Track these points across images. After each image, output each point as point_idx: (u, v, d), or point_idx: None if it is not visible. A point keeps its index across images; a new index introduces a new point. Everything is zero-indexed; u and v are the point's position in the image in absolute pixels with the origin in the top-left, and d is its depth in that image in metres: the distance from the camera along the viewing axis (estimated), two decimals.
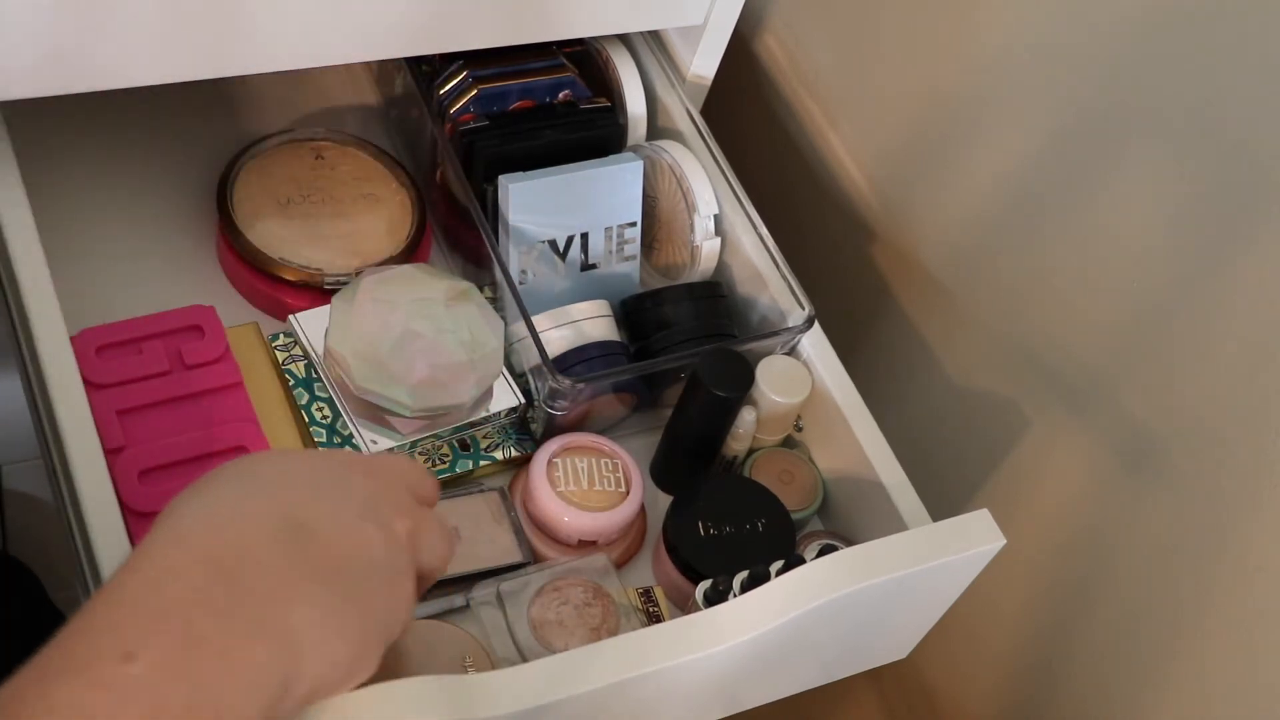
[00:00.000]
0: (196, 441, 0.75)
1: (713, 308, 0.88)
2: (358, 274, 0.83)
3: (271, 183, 0.90)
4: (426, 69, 0.91)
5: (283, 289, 0.87)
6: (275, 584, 0.50)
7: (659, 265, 0.94)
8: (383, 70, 0.96)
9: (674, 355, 0.84)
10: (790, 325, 0.86)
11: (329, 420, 0.82)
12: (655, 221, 0.93)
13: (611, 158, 0.90)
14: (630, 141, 0.94)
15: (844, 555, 0.71)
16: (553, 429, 0.85)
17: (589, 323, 0.85)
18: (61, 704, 0.43)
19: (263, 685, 0.48)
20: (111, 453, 0.72)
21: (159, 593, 0.48)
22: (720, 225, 0.90)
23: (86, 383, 0.72)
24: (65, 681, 0.44)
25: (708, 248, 0.90)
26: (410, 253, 0.90)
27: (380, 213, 0.92)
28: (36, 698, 0.43)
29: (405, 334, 0.79)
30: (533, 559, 0.82)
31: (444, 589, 0.80)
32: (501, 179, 0.86)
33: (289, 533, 0.52)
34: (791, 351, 0.87)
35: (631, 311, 0.89)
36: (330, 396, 0.81)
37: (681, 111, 0.92)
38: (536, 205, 0.87)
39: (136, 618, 0.46)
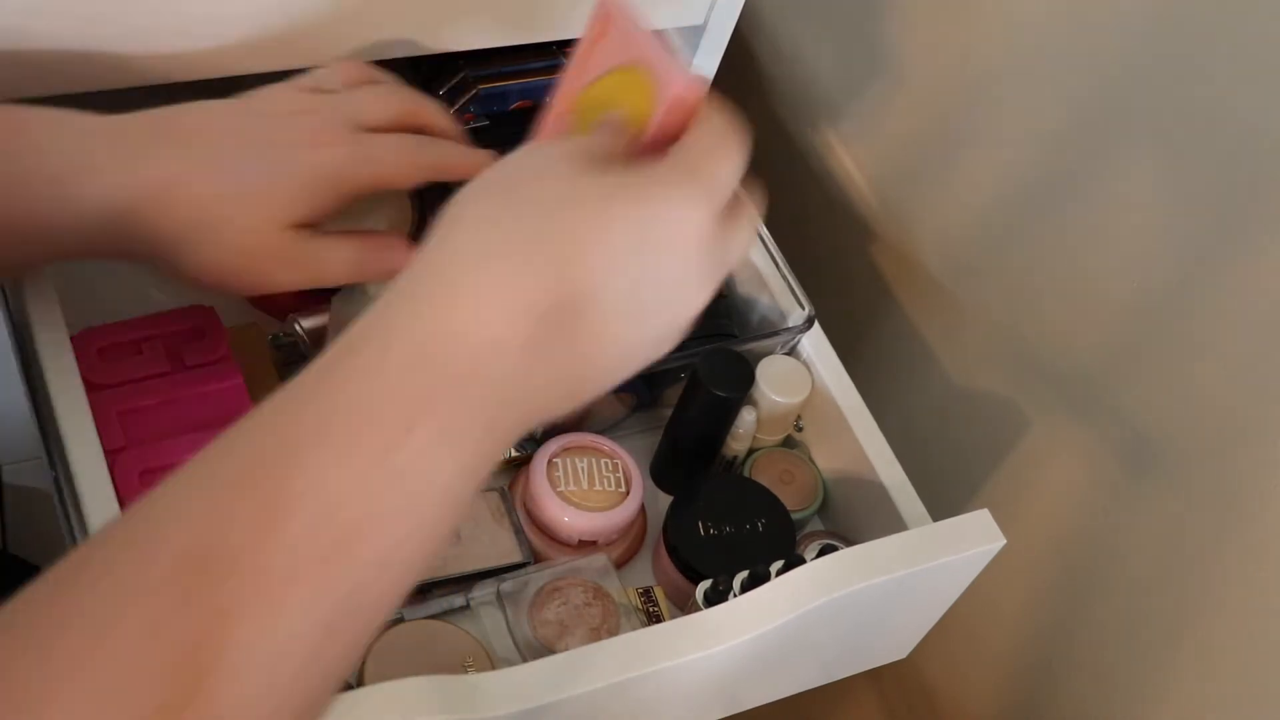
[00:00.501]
0: (197, 442, 0.75)
1: (712, 307, 0.88)
2: None
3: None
4: (425, 69, 0.91)
5: (285, 293, 0.86)
6: (547, 369, 0.47)
7: None
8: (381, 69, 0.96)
9: (674, 355, 0.84)
10: (790, 325, 0.86)
11: None
12: None
13: None
14: None
15: (844, 555, 0.71)
16: (553, 429, 0.85)
17: None
18: (315, 484, 0.42)
19: (510, 443, 0.49)
20: (112, 453, 0.71)
21: (430, 378, 0.45)
22: None
23: (86, 383, 0.72)
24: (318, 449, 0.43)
25: None
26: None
27: (381, 213, 0.91)
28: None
29: None
30: (533, 559, 0.82)
31: (444, 589, 0.80)
32: None
33: (547, 315, 0.47)
34: (791, 352, 0.87)
35: None
36: None
37: None
38: None
39: (413, 396, 0.44)
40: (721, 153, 0.54)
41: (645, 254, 0.49)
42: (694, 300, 0.53)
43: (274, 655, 0.40)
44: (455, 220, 0.49)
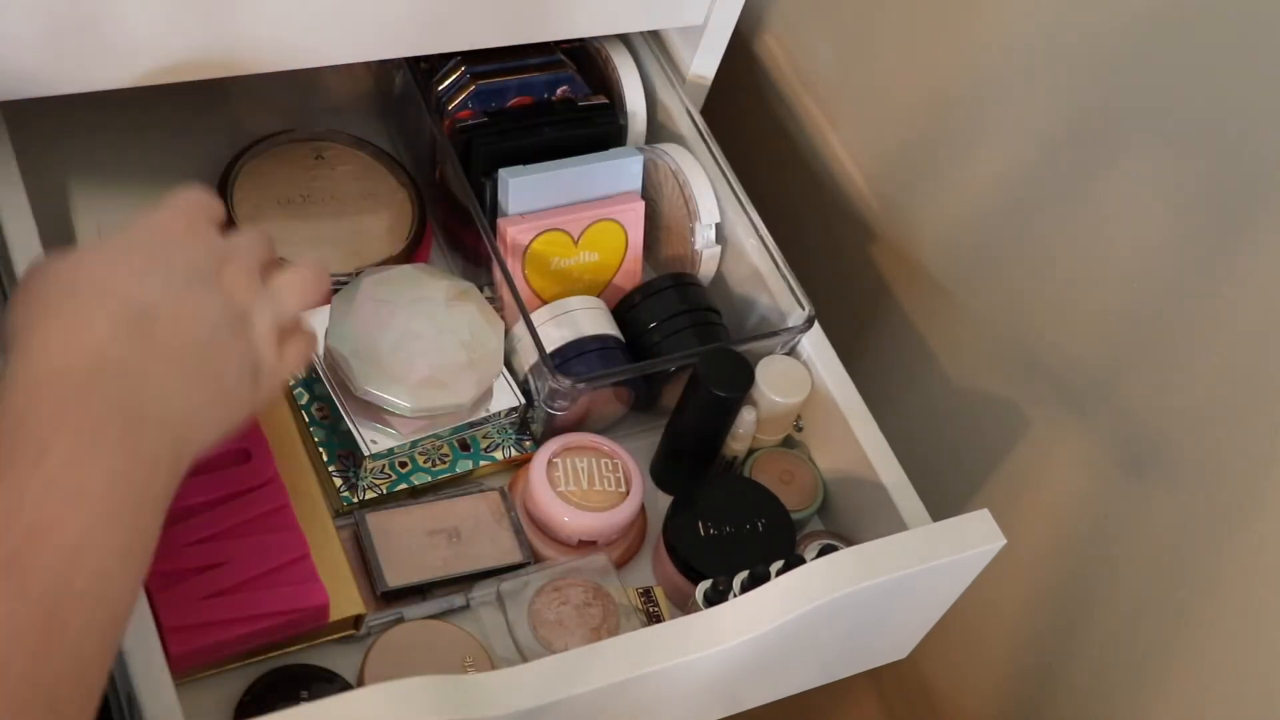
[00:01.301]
0: None
1: (698, 295, 0.88)
2: (358, 274, 0.83)
3: (272, 182, 0.90)
4: (425, 66, 0.91)
5: None
6: (136, 379, 0.55)
7: (657, 265, 0.94)
8: (382, 69, 0.96)
9: (675, 356, 0.84)
10: (790, 325, 0.86)
11: (329, 420, 0.82)
12: (655, 223, 0.93)
13: (611, 152, 0.90)
14: (630, 142, 0.94)
15: (844, 555, 0.71)
16: (553, 429, 0.85)
17: (583, 316, 0.85)
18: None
19: (161, 459, 0.55)
20: None
21: (47, 407, 0.52)
22: (721, 230, 0.90)
23: None
24: None
25: (708, 255, 0.90)
26: (411, 253, 0.90)
27: (381, 213, 0.92)
28: None
29: (405, 334, 0.79)
30: (533, 559, 0.82)
31: (444, 589, 0.80)
32: (501, 172, 0.86)
33: (131, 325, 0.56)
34: (791, 352, 0.87)
35: (622, 308, 0.89)
36: (330, 396, 0.81)
37: (681, 112, 0.92)
38: (536, 200, 0.87)
39: (38, 424, 0.51)
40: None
41: (168, 251, 0.61)
42: (222, 269, 0.62)
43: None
44: (25, 296, 0.58)
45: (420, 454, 0.83)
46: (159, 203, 0.64)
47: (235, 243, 0.65)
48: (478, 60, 0.90)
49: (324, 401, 0.82)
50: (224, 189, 0.88)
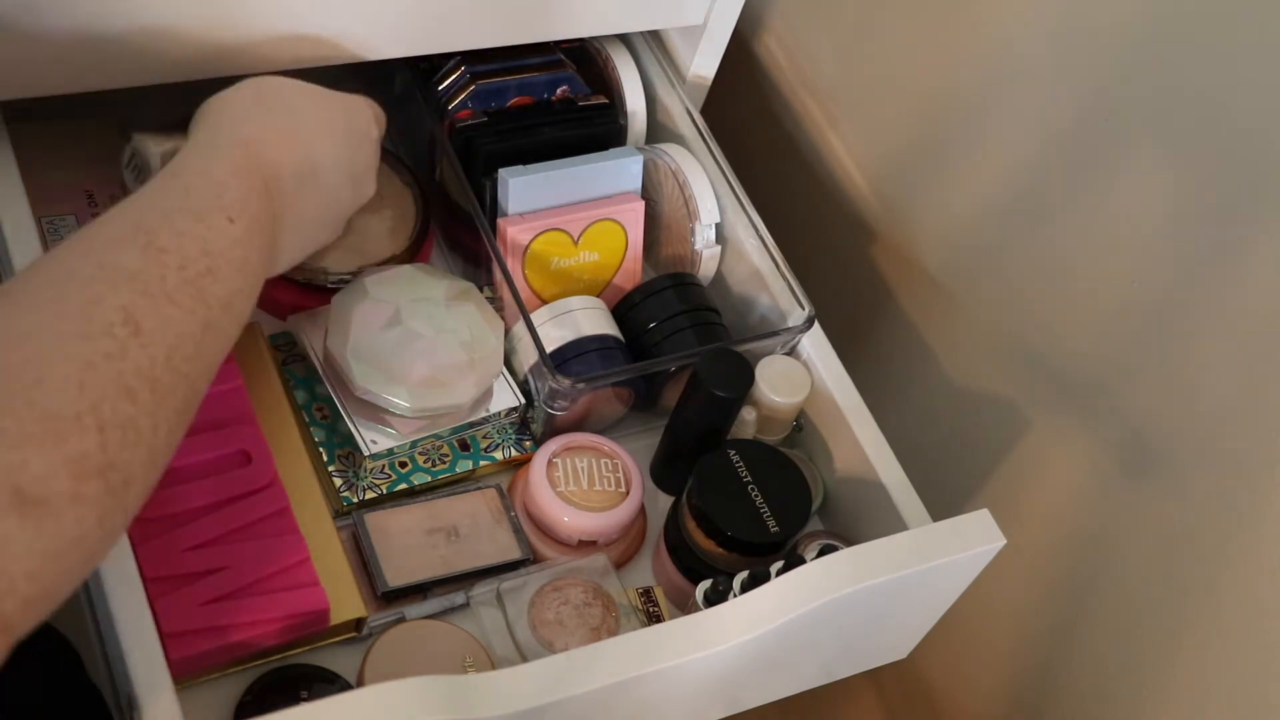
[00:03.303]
0: (197, 445, 0.75)
1: (698, 295, 0.88)
2: (358, 274, 0.83)
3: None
4: (424, 66, 0.91)
5: (286, 288, 0.87)
6: (283, 216, 0.69)
7: (657, 265, 0.94)
8: (381, 69, 0.96)
9: (675, 356, 0.84)
10: (790, 325, 0.86)
11: (329, 420, 0.82)
12: (655, 222, 0.93)
13: (611, 152, 0.90)
14: (630, 142, 0.94)
15: (844, 555, 0.71)
16: (552, 429, 0.85)
17: (583, 316, 0.85)
18: (188, 235, 0.61)
19: (268, 271, 0.68)
20: None
21: (248, 185, 0.66)
22: (721, 230, 0.90)
23: None
24: (189, 218, 0.62)
25: (708, 255, 0.90)
26: (414, 253, 0.90)
27: (384, 212, 0.91)
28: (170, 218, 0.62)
29: (405, 334, 0.79)
30: (532, 556, 0.82)
31: (444, 587, 0.80)
32: (501, 172, 0.86)
33: (304, 171, 0.70)
34: (791, 352, 0.87)
35: (622, 308, 0.89)
36: (330, 396, 0.81)
37: (682, 112, 0.92)
38: (536, 200, 0.87)
39: (238, 191, 0.65)
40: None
41: (349, 137, 0.75)
42: (368, 170, 0.78)
43: (171, 337, 0.58)
44: (216, 106, 0.71)
45: (420, 454, 0.83)
46: (365, 99, 0.79)
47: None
48: (477, 60, 0.90)
49: (324, 401, 0.82)
50: None
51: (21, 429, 0.51)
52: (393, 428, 0.80)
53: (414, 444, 0.81)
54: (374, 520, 0.80)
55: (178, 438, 0.60)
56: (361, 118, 0.77)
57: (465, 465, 0.84)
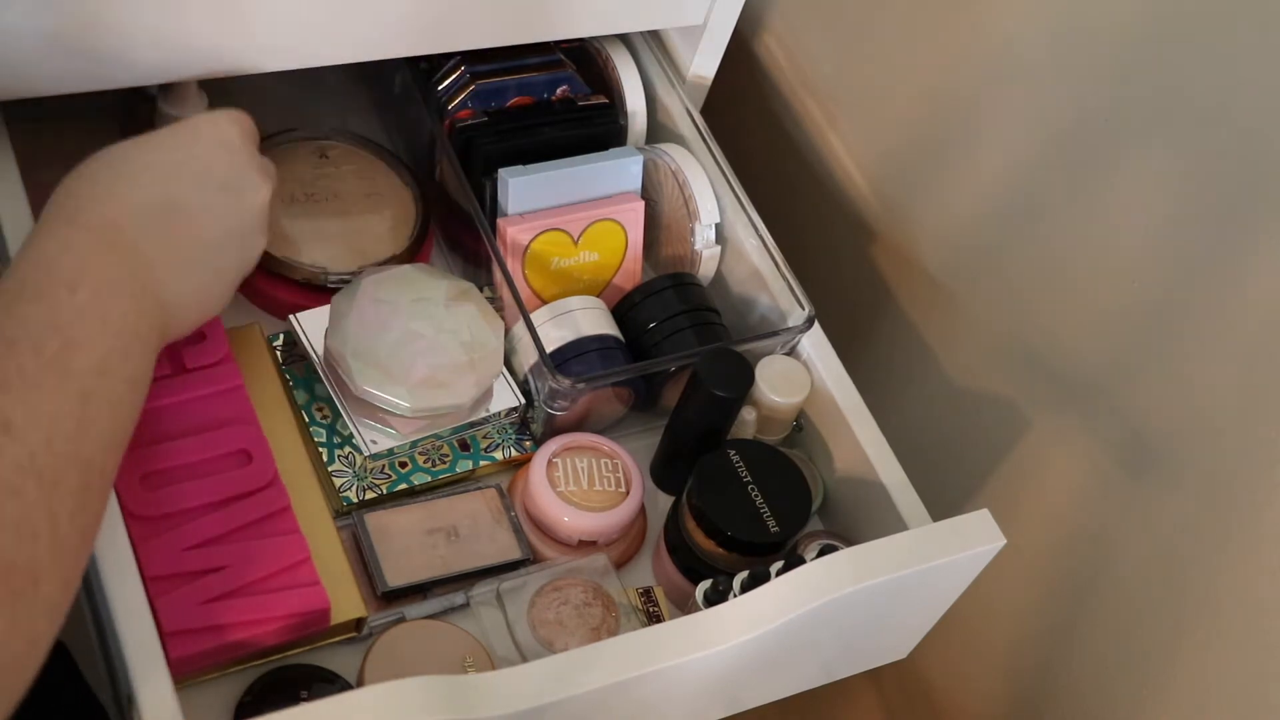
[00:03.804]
0: (197, 445, 0.75)
1: (698, 295, 0.88)
2: (358, 273, 0.83)
3: (276, 181, 0.90)
4: (424, 65, 0.91)
5: (286, 288, 0.87)
6: (146, 259, 0.65)
7: (657, 265, 0.94)
8: (382, 69, 0.96)
9: (675, 356, 0.84)
10: (790, 325, 0.86)
11: (329, 420, 0.82)
12: (655, 222, 0.93)
13: (610, 152, 0.90)
14: (630, 142, 0.94)
15: (844, 555, 0.71)
16: (552, 429, 0.85)
17: (583, 316, 0.85)
18: (32, 319, 0.58)
19: (152, 323, 0.65)
20: None
21: (76, 255, 0.62)
22: (721, 231, 0.90)
23: None
24: (28, 303, 0.59)
25: (708, 255, 0.90)
26: (414, 252, 0.90)
27: (384, 212, 0.92)
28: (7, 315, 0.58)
29: (405, 334, 0.79)
30: (532, 556, 0.82)
31: (444, 588, 0.80)
32: (501, 173, 0.86)
33: (153, 206, 0.66)
34: (791, 351, 0.87)
35: (622, 308, 0.89)
36: (330, 396, 0.81)
37: (682, 112, 0.92)
38: (535, 199, 0.87)
39: (68, 268, 0.61)
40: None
41: (206, 161, 0.70)
42: (247, 183, 0.72)
43: (45, 422, 0.55)
44: (74, 172, 0.68)
45: (420, 454, 0.83)
46: (210, 113, 0.73)
47: (267, 164, 0.74)
48: (477, 60, 0.90)
49: (324, 401, 0.82)
50: None
51: None
52: (393, 428, 0.80)
53: (414, 444, 0.81)
54: (374, 520, 0.80)
55: (89, 518, 0.57)
56: (208, 130, 0.71)
57: (465, 465, 0.84)
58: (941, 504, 0.81)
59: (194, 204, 0.68)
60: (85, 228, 0.63)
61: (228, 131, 0.72)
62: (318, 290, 0.86)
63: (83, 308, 0.60)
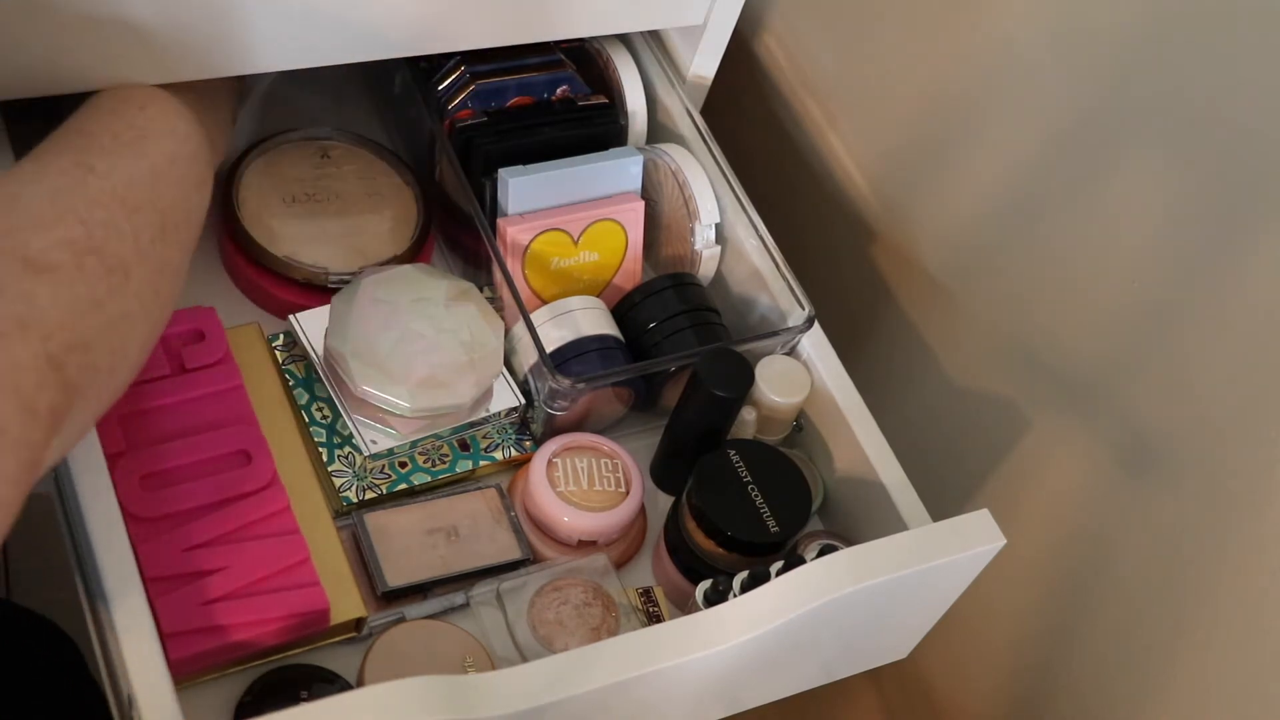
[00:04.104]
0: (197, 445, 0.75)
1: (698, 295, 0.88)
2: (358, 274, 0.83)
3: (277, 181, 0.90)
4: (424, 65, 0.91)
5: (286, 287, 0.87)
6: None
7: (657, 265, 0.94)
8: (381, 69, 0.96)
9: (675, 356, 0.84)
10: (790, 325, 0.86)
11: (329, 420, 0.82)
12: (655, 222, 0.93)
13: (610, 152, 0.90)
14: (630, 142, 0.94)
15: (844, 555, 0.71)
16: (552, 429, 0.85)
17: (583, 316, 0.85)
18: (105, 122, 0.68)
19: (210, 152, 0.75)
20: (112, 457, 0.71)
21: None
22: (721, 230, 0.90)
23: None
24: (105, 114, 0.69)
25: (708, 255, 0.90)
26: (415, 253, 0.90)
27: (385, 212, 0.92)
28: None
29: (405, 334, 0.79)
30: (532, 556, 0.82)
31: (444, 588, 0.80)
32: (501, 172, 0.86)
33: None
34: (791, 352, 0.87)
35: (622, 308, 0.89)
36: (330, 396, 0.81)
37: (682, 112, 0.92)
38: (535, 200, 0.87)
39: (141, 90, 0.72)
40: None
41: None
42: None
43: (122, 175, 0.64)
44: None
45: (420, 454, 0.83)
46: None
47: None
48: (477, 60, 0.90)
49: (324, 401, 0.82)
50: (229, 186, 0.88)
51: (11, 223, 0.58)
52: (393, 428, 0.80)
53: (414, 444, 0.81)
54: (374, 520, 0.80)
55: (169, 251, 0.65)
56: None
57: (465, 465, 0.84)
58: (941, 504, 0.81)
59: None
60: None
61: None
62: (318, 290, 0.86)
63: (152, 118, 0.69)
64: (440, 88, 0.90)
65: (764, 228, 0.88)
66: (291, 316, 0.84)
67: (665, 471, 0.87)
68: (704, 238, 0.90)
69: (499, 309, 0.85)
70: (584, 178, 0.88)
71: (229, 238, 0.88)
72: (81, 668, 0.83)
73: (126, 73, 0.74)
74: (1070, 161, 0.82)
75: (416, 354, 0.79)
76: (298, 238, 0.88)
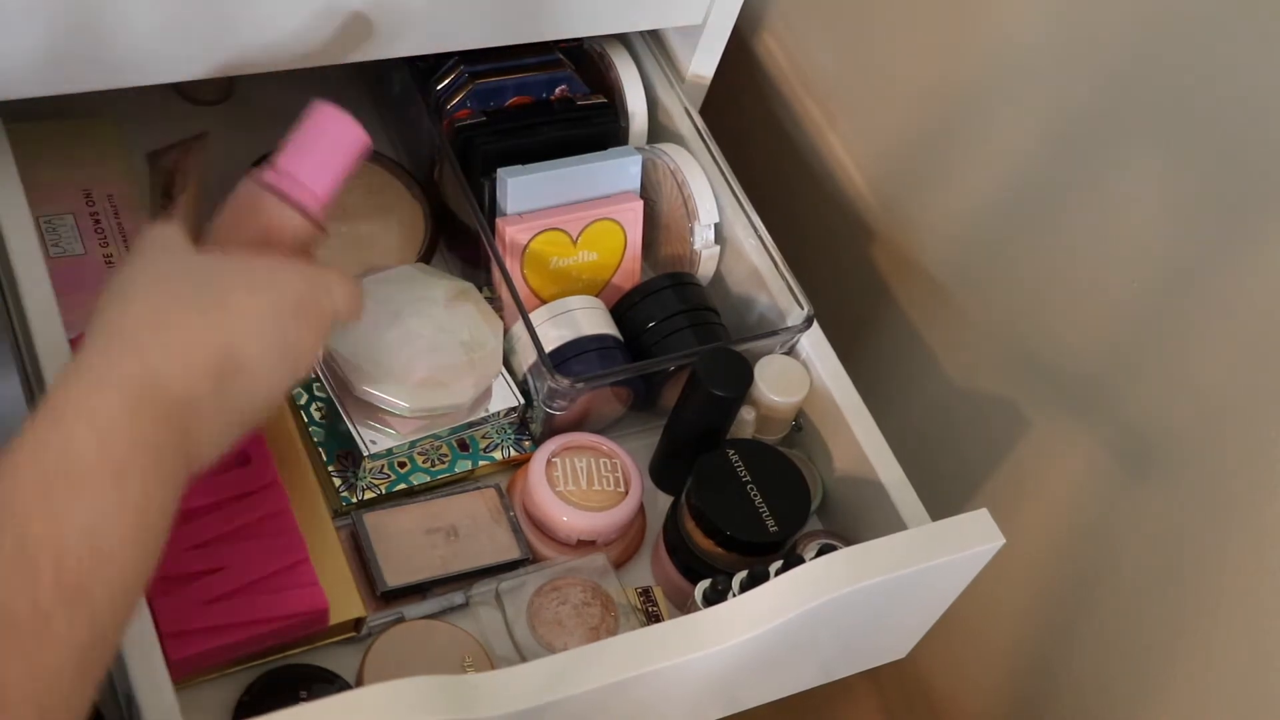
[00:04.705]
0: None
1: (697, 294, 0.88)
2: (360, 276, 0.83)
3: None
4: (423, 65, 0.91)
5: None
6: (203, 423, 0.59)
7: (656, 265, 0.94)
8: (381, 69, 0.96)
9: (674, 356, 0.84)
10: (789, 325, 0.86)
11: (329, 420, 0.82)
12: (654, 222, 0.93)
13: (609, 151, 0.90)
14: (630, 142, 0.94)
15: (844, 555, 0.71)
16: (552, 429, 0.85)
17: (582, 316, 0.85)
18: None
19: (182, 483, 0.59)
20: None
21: (132, 429, 0.56)
22: (720, 231, 0.90)
23: None
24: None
25: (707, 255, 0.90)
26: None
27: (393, 226, 0.91)
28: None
29: (405, 334, 0.79)
30: (531, 556, 0.82)
31: (443, 588, 0.80)
32: (500, 172, 0.86)
33: (221, 368, 0.60)
34: (790, 351, 0.87)
35: (621, 308, 0.89)
36: (330, 396, 0.81)
37: (681, 112, 0.92)
38: (534, 199, 0.87)
39: (118, 440, 0.55)
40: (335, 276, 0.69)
41: (283, 318, 0.64)
42: (310, 352, 0.66)
43: (42, 686, 0.50)
44: (121, 290, 0.61)
45: (419, 454, 0.83)
46: (326, 274, 0.67)
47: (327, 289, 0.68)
48: (476, 60, 0.90)
49: (323, 402, 0.82)
50: None
51: None
52: (392, 428, 0.80)
53: (413, 444, 0.81)
54: (373, 520, 0.80)
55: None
56: (303, 291, 0.65)
57: (464, 465, 0.84)
58: (941, 504, 0.81)
59: (259, 368, 0.62)
60: (145, 401, 0.57)
61: (344, 308, 0.68)
62: None
63: (127, 503, 0.55)
64: (439, 88, 0.90)
65: (763, 227, 0.88)
66: None
67: (664, 471, 0.87)
68: (703, 237, 0.90)
69: (498, 309, 0.85)
70: (583, 177, 0.88)
71: None
72: None
73: (125, 73, 0.75)
74: (1070, 161, 0.82)
75: (416, 354, 0.79)
76: None
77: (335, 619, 0.74)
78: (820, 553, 0.75)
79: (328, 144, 0.71)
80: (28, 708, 0.49)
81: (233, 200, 0.69)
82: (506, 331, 0.85)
